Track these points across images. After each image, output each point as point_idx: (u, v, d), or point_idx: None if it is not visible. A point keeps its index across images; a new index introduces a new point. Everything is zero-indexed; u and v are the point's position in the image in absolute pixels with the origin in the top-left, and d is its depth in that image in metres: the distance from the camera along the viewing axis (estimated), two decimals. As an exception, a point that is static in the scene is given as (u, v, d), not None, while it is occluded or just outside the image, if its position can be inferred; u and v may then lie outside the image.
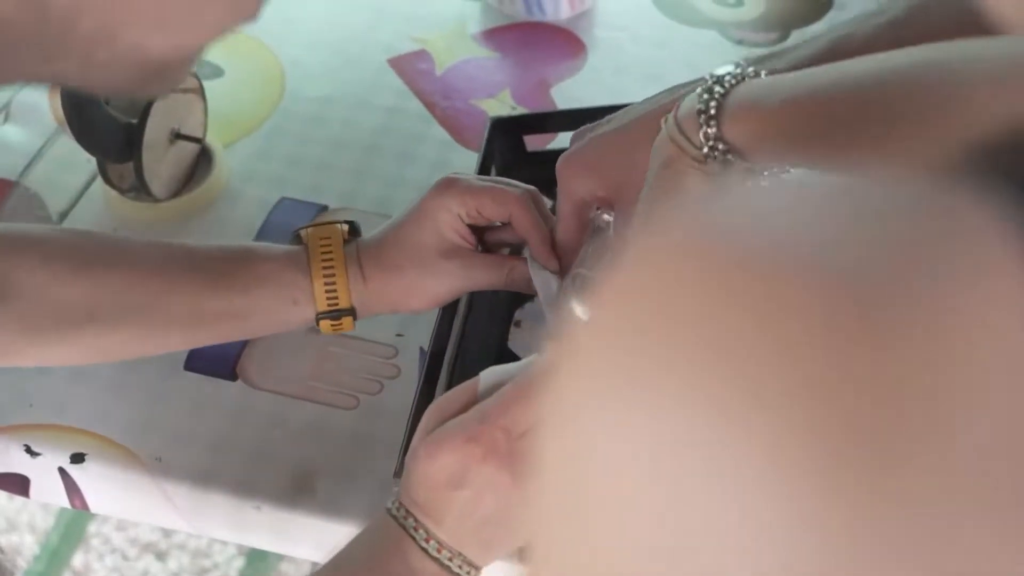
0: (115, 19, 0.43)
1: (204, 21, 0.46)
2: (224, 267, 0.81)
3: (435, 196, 0.81)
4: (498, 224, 0.83)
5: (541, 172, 0.84)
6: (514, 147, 0.99)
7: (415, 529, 0.67)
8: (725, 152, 0.67)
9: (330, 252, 0.80)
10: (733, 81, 0.67)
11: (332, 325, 0.82)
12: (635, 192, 0.70)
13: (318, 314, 0.81)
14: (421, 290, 0.81)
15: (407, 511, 0.68)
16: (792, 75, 0.64)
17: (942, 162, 0.23)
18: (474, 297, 0.88)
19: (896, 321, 0.20)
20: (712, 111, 0.66)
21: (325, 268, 0.80)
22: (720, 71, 0.67)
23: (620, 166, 0.76)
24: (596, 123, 0.82)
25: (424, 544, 0.67)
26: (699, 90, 0.67)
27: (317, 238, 0.81)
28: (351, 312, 0.81)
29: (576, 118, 0.94)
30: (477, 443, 0.65)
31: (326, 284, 0.80)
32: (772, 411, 0.20)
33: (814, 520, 0.19)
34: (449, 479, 0.66)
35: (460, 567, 0.67)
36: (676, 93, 0.77)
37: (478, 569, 0.69)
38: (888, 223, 0.21)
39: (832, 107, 0.60)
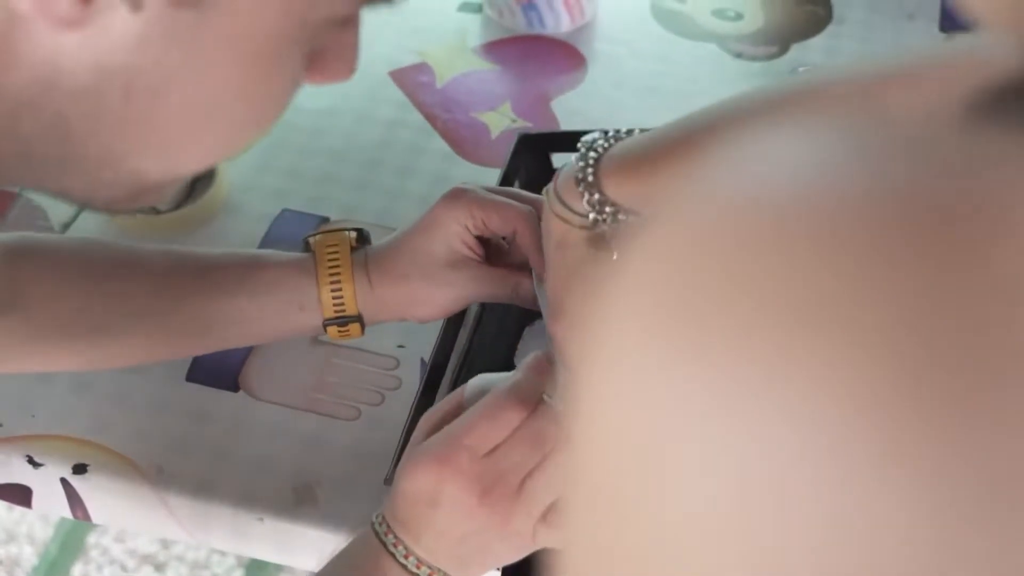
0: (121, 146, 0.49)
1: (195, 154, 0.52)
2: (232, 273, 0.81)
3: (444, 207, 0.81)
4: (503, 238, 0.83)
5: None
6: (540, 164, 0.99)
7: (395, 545, 0.68)
8: (615, 213, 0.69)
9: (337, 259, 0.81)
10: (606, 144, 0.69)
11: (340, 331, 0.82)
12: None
13: (325, 320, 0.81)
14: (427, 299, 0.81)
15: (388, 527, 0.69)
16: (672, 122, 0.67)
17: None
18: (484, 310, 0.88)
19: (969, 242, 0.19)
20: (590, 177, 0.69)
21: (332, 275, 0.81)
22: (589, 137, 0.69)
23: None
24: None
25: (403, 560, 0.68)
26: (574, 158, 0.69)
27: (324, 245, 0.82)
28: (358, 319, 0.82)
29: None
30: (445, 463, 0.66)
31: (332, 290, 0.80)
32: (850, 348, 0.19)
33: (908, 454, 0.19)
34: (424, 497, 0.67)
35: None
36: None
37: None
38: (923, 153, 0.21)
39: (724, 131, 0.64)
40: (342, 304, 0.81)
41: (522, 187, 0.95)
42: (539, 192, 0.86)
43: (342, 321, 0.81)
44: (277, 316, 0.81)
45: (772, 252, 0.20)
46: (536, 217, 0.81)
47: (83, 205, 0.56)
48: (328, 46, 0.53)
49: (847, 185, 0.21)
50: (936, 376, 0.19)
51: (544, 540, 0.68)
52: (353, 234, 0.83)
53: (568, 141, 0.99)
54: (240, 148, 0.54)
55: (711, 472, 0.20)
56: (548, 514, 0.67)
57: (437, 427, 0.69)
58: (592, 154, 0.70)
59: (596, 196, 0.70)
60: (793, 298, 0.20)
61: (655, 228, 0.22)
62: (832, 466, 0.19)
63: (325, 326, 0.82)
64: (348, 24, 0.53)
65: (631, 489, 0.22)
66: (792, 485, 0.19)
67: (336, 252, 0.81)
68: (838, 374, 0.19)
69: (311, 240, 0.83)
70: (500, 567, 0.72)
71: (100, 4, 0.43)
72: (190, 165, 0.54)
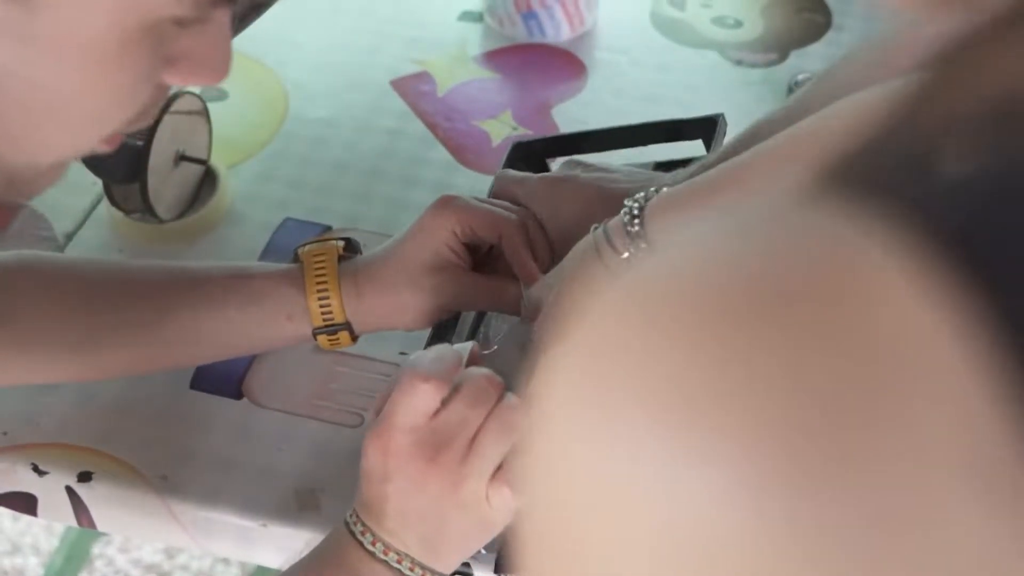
0: None
1: (48, 146, 0.54)
2: (222, 286, 0.83)
3: (433, 214, 0.82)
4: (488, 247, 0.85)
5: None
6: (537, 171, 0.99)
7: (362, 533, 0.70)
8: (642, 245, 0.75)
9: (324, 269, 0.82)
10: (655, 192, 0.76)
11: (329, 340, 0.83)
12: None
13: (314, 329, 0.82)
14: (412, 307, 0.82)
15: (357, 516, 0.70)
16: (708, 172, 0.76)
17: (800, 187, 0.26)
18: (483, 315, 0.89)
19: (805, 326, 0.23)
20: (636, 212, 0.75)
21: (319, 284, 0.81)
22: (639, 194, 0.77)
23: (574, 213, 0.84)
24: (585, 162, 0.89)
25: (371, 547, 0.69)
26: (626, 202, 0.75)
27: (312, 255, 0.83)
28: (346, 327, 0.82)
29: (602, 139, 0.96)
30: (386, 439, 0.68)
31: (320, 300, 0.81)
32: (713, 418, 0.23)
33: (771, 504, 0.23)
34: (376, 475, 0.69)
35: (411, 570, 0.69)
36: (653, 182, 0.85)
37: (435, 573, 0.70)
38: (770, 240, 0.25)
39: (712, 177, 0.74)
40: (330, 313, 0.81)
41: None
42: None
43: (330, 330, 0.82)
44: (265, 326, 0.82)
45: (671, 340, 0.24)
46: (522, 224, 0.83)
47: None
48: (192, 48, 0.54)
49: (713, 275, 0.25)
50: (794, 438, 0.22)
51: (499, 506, 0.69)
52: (341, 244, 0.84)
53: (563, 146, 1.00)
54: (93, 143, 0.56)
55: (639, 504, 0.24)
56: (497, 474, 0.68)
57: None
58: (642, 199, 0.75)
59: (637, 229, 0.75)
60: (682, 378, 0.24)
61: (588, 315, 0.26)
62: (727, 502, 0.23)
63: (315, 335, 0.82)
64: (208, 25, 0.54)
65: (579, 525, 0.26)
66: (701, 510, 0.23)
67: (323, 262, 0.82)
68: (720, 444, 0.23)
69: (300, 251, 0.84)
70: (472, 553, 0.73)
71: None
72: (45, 156, 0.56)
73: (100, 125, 0.55)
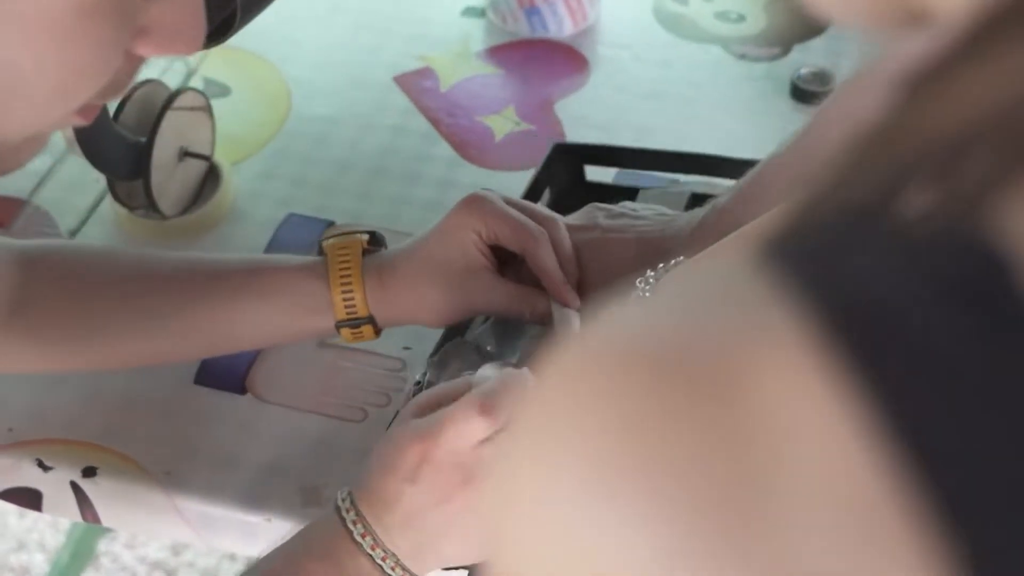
0: None
1: (14, 120, 0.54)
2: (237, 280, 0.82)
3: (459, 214, 0.82)
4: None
5: (599, 202, 0.89)
6: (573, 174, 1.00)
7: (354, 523, 0.69)
8: None
9: (348, 262, 0.82)
10: (674, 264, 0.76)
11: (353, 334, 0.83)
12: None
13: (337, 322, 0.82)
14: (434, 304, 0.82)
15: (352, 504, 0.69)
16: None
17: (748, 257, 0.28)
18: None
19: (713, 401, 0.25)
20: (652, 284, 0.75)
21: (343, 278, 0.81)
22: (660, 266, 0.78)
23: (595, 260, 0.85)
24: (608, 208, 0.89)
25: (359, 539, 0.68)
26: (648, 272, 0.76)
27: (336, 248, 0.83)
28: (370, 320, 0.82)
29: (644, 159, 0.98)
30: (428, 445, 0.68)
31: (343, 292, 0.81)
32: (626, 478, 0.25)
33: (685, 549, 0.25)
34: (404, 472, 0.68)
35: (393, 569, 0.69)
36: (672, 224, 0.87)
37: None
38: (704, 310, 0.27)
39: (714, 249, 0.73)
40: (353, 306, 0.81)
41: (553, 196, 0.98)
42: (572, 201, 0.88)
43: (354, 323, 0.82)
44: (288, 320, 0.82)
45: (605, 405, 0.26)
46: (549, 242, 0.82)
47: None
48: (161, 18, 0.54)
49: (648, 349, 0.26)
50: (700, 509, 0.25)
51: None
52: (365, 237, 0.83)
53: (602, 155, 1.01)
54: (64, 117, 0.55)
55: (576, 560, 0.26)
56: None
57: (433, 407, 0.70)
58: (653, 276, 0.75)
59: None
60: (612, 444, 0.26)
61: (554, 370, 0.28)
62: (648, 565, 0.25)
63: (338, 328, 0.82)
64: None
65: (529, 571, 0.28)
66: (626, 572, 0.25)
67: (347, 255, 0.82)
68: (640, 511, 0.25)
69: (324, 244, 0.84)
70: (448, 567, 0.73)
71: None
72: (14, 131, 0.55)
73: (67, 99, 0.54)
